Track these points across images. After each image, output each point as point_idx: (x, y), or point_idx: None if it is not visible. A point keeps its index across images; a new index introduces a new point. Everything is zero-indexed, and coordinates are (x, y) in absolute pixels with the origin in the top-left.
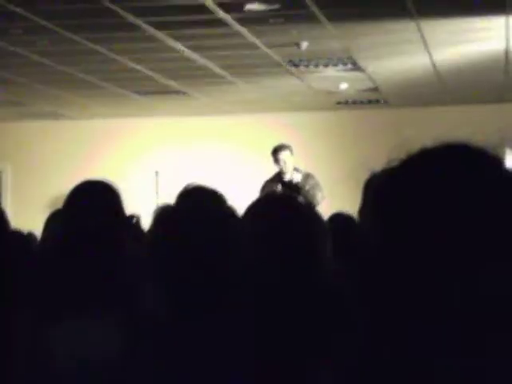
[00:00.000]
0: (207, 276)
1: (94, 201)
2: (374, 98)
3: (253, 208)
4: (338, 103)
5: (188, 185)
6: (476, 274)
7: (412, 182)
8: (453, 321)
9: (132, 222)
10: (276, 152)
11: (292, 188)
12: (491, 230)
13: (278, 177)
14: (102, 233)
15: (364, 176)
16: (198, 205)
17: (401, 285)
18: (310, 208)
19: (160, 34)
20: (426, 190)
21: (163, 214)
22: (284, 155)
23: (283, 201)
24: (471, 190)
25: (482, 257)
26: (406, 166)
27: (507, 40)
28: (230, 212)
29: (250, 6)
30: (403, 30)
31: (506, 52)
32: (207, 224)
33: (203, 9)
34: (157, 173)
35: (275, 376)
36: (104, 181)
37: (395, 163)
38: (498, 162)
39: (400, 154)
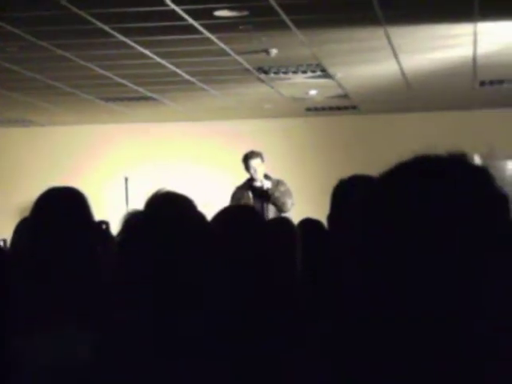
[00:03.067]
0: (180, 282)
1: (62, 208)
2: (343, 105)
3: (219, 217)
4: (308, 110)
5: (158, 190)
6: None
7: (391, 196)
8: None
9: (102, 228)
10: (247, 159)
11: (262, 195)
12: (468, 239)
13: (249, 183)
14: (72, 240)
15: (333, 182)
16: (168, 211)
17: (374, 289)
18: (279, 216)
19: (129, 41)
20: (406, 203)
21: (132, 220)
22: (254, 162)
23: (251, 209)
24: (450, 203)
25: (459, 265)
26: (386, 179)
27: (475, 47)
28: (200, 218)
29: (219, 13)
30: (372, 37)
31: (474, 59)
32: (178, 230)
33: (173, 15)
34: (126, 179)
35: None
36: (71, 187)
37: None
38: (482, 171)
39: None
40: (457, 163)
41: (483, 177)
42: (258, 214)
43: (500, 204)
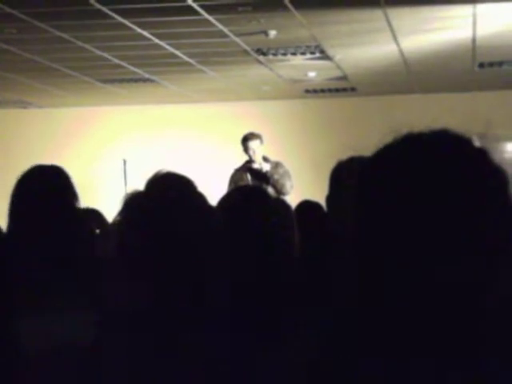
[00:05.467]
0: (180, 262)
1: (43, 185)
2: (342, 87)
3: (222, 202)
4: (307, 92)
5: (158, 171)
6: (453, 257)
7: (396, 167)
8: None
9: (92, 212)
10: (245, 141)
11: (261, 177)
12: (470, 216)
13: (247, 166)
14: (53, 218)
15: (331, 164)
16: (169, 191)
17: (381, 265)
18: (277, 199)
19: (127, 22)
20: (410, 174)
21: (133, 200)
22: (253, 144)
23: (250, 194)
24: (456, 177)
25: (458, 241)
26: (391, 150)
27: (474, 28)
28: (201, 198)
29: None
30: (371, 18)
31: (473, 40)
32: (178, 210)
33: None
34: (125, 161)
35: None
36: (54, 165)
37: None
38: (482, 151)
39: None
40: (445, 140)
41: (479, 153)
42: (263, 197)
43: (499, 179)
